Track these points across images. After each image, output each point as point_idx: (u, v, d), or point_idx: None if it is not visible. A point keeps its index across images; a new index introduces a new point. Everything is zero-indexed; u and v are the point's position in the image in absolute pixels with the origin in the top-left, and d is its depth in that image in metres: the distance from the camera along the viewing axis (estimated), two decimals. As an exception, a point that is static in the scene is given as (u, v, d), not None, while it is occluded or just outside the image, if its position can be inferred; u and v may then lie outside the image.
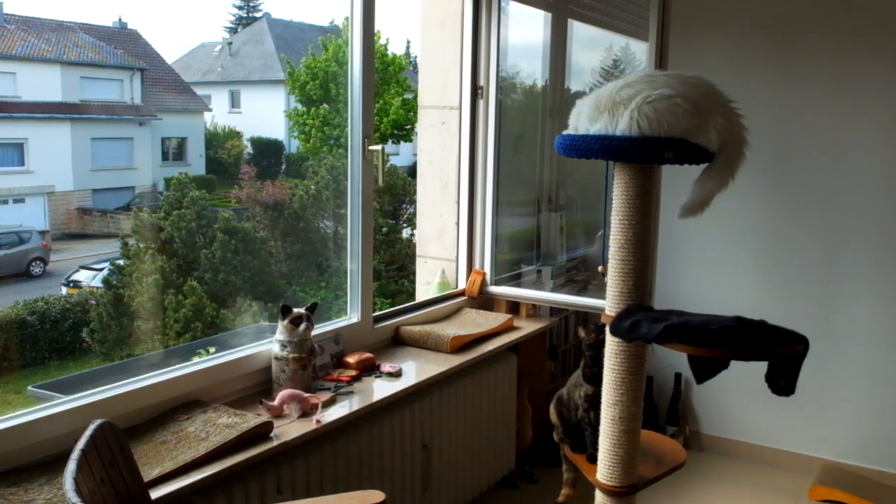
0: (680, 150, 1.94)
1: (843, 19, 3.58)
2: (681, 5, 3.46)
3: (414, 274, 4.01)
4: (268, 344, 2.61)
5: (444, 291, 3.64)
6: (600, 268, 2.29)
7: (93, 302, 6.31)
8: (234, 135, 11.21)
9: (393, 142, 13.87)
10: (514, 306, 3.67)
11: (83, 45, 6.88)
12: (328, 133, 11.72)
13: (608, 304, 2.14)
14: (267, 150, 11.86)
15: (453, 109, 3.63)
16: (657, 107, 1.91)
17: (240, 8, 17.95)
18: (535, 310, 3.69)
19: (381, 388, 2.69)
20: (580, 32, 4.25)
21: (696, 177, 2.07)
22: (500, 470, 3.43)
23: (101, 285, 6.45)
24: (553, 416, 2.59)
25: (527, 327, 3.50)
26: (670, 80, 1.95)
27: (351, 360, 2.83)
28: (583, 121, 2.07)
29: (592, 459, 2.33)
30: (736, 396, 3.96)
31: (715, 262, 3.96)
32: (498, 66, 3.56)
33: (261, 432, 2.18)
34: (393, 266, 9.36)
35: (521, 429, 3.58)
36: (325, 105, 11.87)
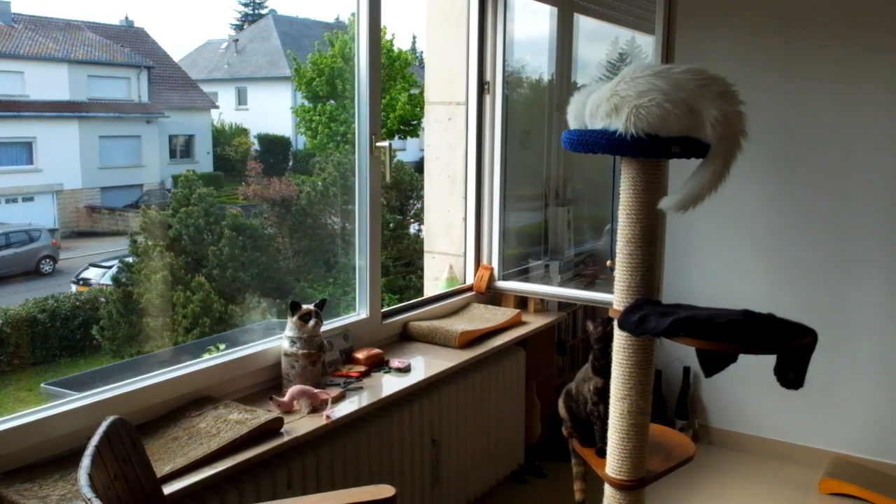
0: (687, 144, 1.95)
1: (850, 11, 3.57)
2: (687, -2, 3.46)
3: (421, 269, 4.02)
4: (277, 340, 2.62)
5: (451, 287, 3.65)
6: (608, 262, 2.29)
7: (102, 299, 6.34)
8: (241, 132, 11.23)
9: (400, 137, 13.87)
10: (522, 301, 3.68)
11: (90, 44, 6.91)
12: (335, 129, 11.72)
13: (616, 298, 2.14)
14: (274, 147, 11.86)
15: (460, 105, 3.63)
16: (648, 118, 1.90)
17: (246, 5, 17.95)
18: (543, 304, 3.69)
19: (390, 384, 2.70)
20: (586, 26, 4.24)
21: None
22: (509, 464, 3.44)
23: (110, 283, 6.47)
24: (562, 411, 2.59)
25: (535, 322, 3.50)
26: (656, 82, 1.91)
27: (360, 355, 2.84)
28: (587, 118, 2.08)
29: (601, 453, 2.33)
30: (744, 390, 3.96)
31: (722, 256, 3.96)
32: (504, 60, 3.56)
33: (271, 428, 2.19)
34: (400, 262, 9.37)
35: (530, 423, 3.59)
36: (332, 101, 11.87)
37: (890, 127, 3.54)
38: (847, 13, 3.58)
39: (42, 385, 5.23)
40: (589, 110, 2.06)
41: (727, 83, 1.96)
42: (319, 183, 8.83)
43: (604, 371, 2.37)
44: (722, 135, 1.92)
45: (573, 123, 2.17)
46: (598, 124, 2.03)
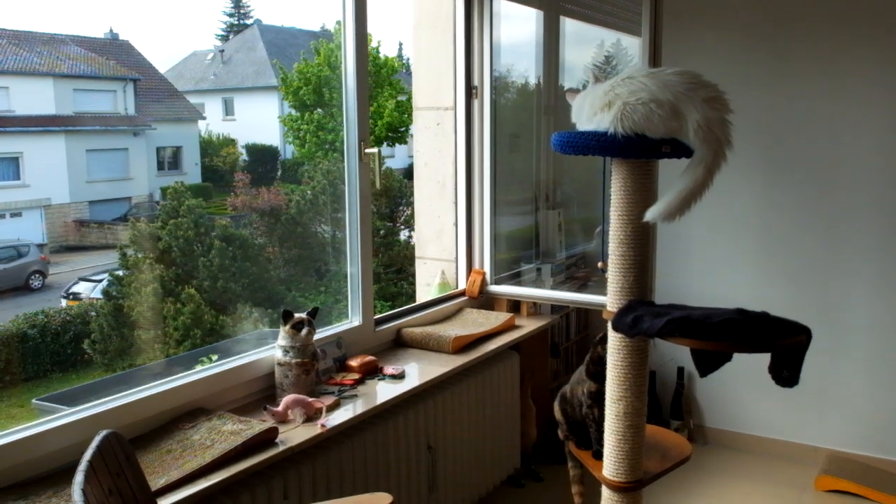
0: (677, 145, 1.95)
1: (835, 10, 3.58)
2: (672, -1, 3.47)
3: (412, 276, 4.02)
4: (270, 350, 2.61)
5: (444, 292, 3.64)
6: (600, 264, 2.28)
7: (93, 313, 6.31)
8: (229, 142, 11.22)
9: (388, 144, 13.89)
10: (514, 305, 3.67)
11: (75, 58, 6.89)
12: (323, 137, 11.73)
13: (609, 300, 2.14)
14: (262, 157, 11.86)
15: (448, 110, 3.63)
16: (634, 117, 1.91)
17: (231, 15, 17.94)
18: (535, 308, 3.69)
19: (384, 391, 2.69)
20: (571, 29, 4.25)
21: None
22: (505, 469, 3.43)
23: (100, 296, 6.45)
24: (557, 414, 2.59)
25: (528, 326, 3.50)
26: (646, 83, 1.92)
27: (354, 363, 2.83)
28: (582, 118, 2.09)
29: (598, 456, 2.33)
30: (739, 389, 3.96)
31: (715, 255, 3.97)
32: (491, 65, 3.56)
33: (266, 438, 2.18)
34: (391, 268, 9.37)
35: (526, 427, 3.58)
36: (319, 110, 11.88)
37: (878, 121, 3.55)
38: (833, 12, 3.59)
39: (33, 400, 5.20)
40: (587, 108, 2.06)
41: (717, 90, 1.93)
42: (309, 191, 8.83)
43: (598, 375, 2.37)
44: (704, 140, 1.90)
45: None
46: (593, 120, 2.04)
